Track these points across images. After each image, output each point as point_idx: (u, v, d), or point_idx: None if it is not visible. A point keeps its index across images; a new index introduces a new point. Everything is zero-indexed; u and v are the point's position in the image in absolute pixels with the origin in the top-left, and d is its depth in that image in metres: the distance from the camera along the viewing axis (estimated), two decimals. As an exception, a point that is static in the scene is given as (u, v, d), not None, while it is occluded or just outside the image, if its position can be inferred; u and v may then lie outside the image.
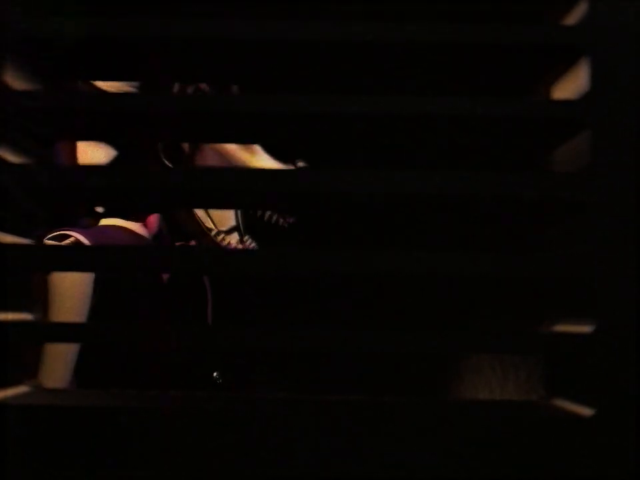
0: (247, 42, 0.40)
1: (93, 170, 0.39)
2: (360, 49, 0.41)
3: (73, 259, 0.39)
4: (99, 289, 1.00)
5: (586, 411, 0.38)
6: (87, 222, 1.15)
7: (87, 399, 0.41)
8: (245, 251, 0.40)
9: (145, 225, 1.12)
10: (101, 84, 0.97)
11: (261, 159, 1.09)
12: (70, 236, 1.01)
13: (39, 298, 0.43)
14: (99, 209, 1.14)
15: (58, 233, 0.97)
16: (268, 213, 1.13)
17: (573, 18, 0.41)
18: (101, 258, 0.38)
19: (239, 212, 1.13)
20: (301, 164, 1.10)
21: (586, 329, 0.38)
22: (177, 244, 1.10)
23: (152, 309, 1.04)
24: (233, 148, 1.09)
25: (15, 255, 0.38)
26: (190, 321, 1.09)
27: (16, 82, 0.40)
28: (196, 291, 1.12)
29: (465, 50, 0.41)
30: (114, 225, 1.12)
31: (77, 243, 0.97)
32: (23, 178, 0.39)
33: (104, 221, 1.14)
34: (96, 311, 0.99)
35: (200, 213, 1.11)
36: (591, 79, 0.39)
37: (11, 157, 0.40)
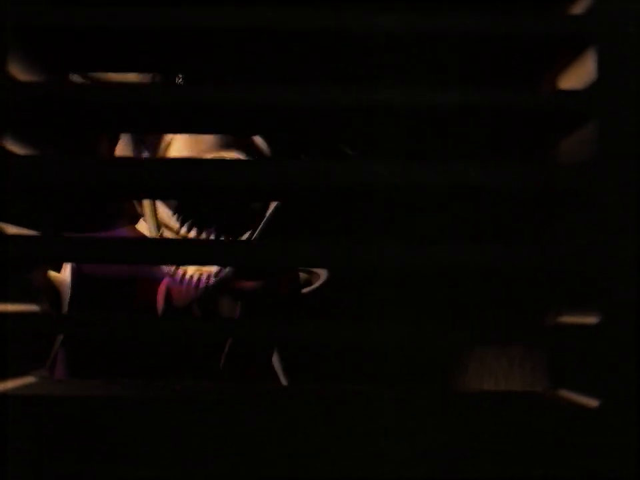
0: (246, 32, 0.40)
1: (104, 163, 0.39)
2: (366, 40, 0.41)
3: (74, 250, 0.39)
4: (75, 279, 0.99)
5: (591, 402, 0.38)
6: (122, 223, 1.12)
7: (93, 389, 0.41)
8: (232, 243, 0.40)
9: None
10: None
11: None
12: None
13: (42, 288, 0.43)
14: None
15: None
16: None
17: (579, 7, 0.41)
18: (103, 249, 0.39)
19: None
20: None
21: (591, 320, 0.38)
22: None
23: (129, 302, 1.02)
24: None
25: (17, 246, 0.38)
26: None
27: (21, 73, 0.40)
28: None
29: (469, 40, 0.40)
30: (132, 227, 1.09)
31: None
32: (28, 170, 0.39)
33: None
34: (73, 301, 0.98)
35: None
36: (597, 69, 0.39)
37: (17, 149, 0.40)
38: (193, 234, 0.98)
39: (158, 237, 1.01)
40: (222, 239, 0.98)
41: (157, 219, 1.00)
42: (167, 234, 1.00)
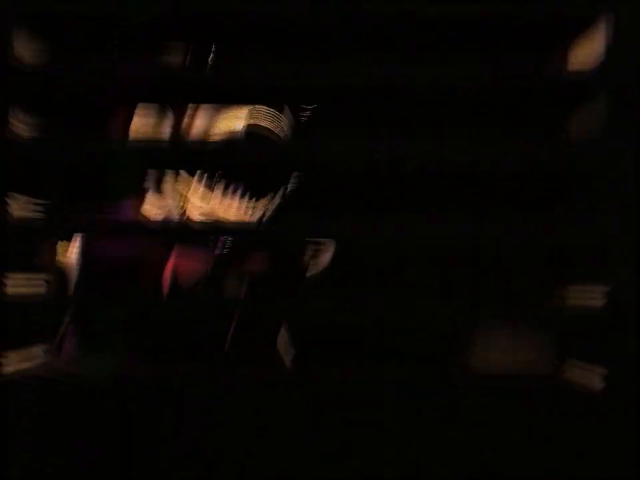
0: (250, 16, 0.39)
1: (112, 143, 0.39)
2: (379, 23, 0.40)
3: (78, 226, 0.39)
4: (82, 261, 0.99)
5: (597, 384, 0.38)
6: (130, 202, 1.12)
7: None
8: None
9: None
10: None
11: None
12: None
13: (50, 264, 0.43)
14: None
15: None
16: None
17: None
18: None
19: None
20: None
21: (598, 302, 0.38)
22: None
23: (136, 282, 1.01)
24: None
25: (17, 227, 0.38)
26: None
27: (26, 56, 0.40)
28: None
29: (481, 19, 0.40)
30: (135, 202, 1.09)
31: None
32: (33, 152, 0.39)
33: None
34: (80, 282, 0.98)
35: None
36: (607, 46, 0.39)
37: (22, 131, 0.40)
38: (219, 187, 0.98)
39: (177, 199, 1.01)
40: (245, 197, 0.99)
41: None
42: (190, 203, 1.00)
